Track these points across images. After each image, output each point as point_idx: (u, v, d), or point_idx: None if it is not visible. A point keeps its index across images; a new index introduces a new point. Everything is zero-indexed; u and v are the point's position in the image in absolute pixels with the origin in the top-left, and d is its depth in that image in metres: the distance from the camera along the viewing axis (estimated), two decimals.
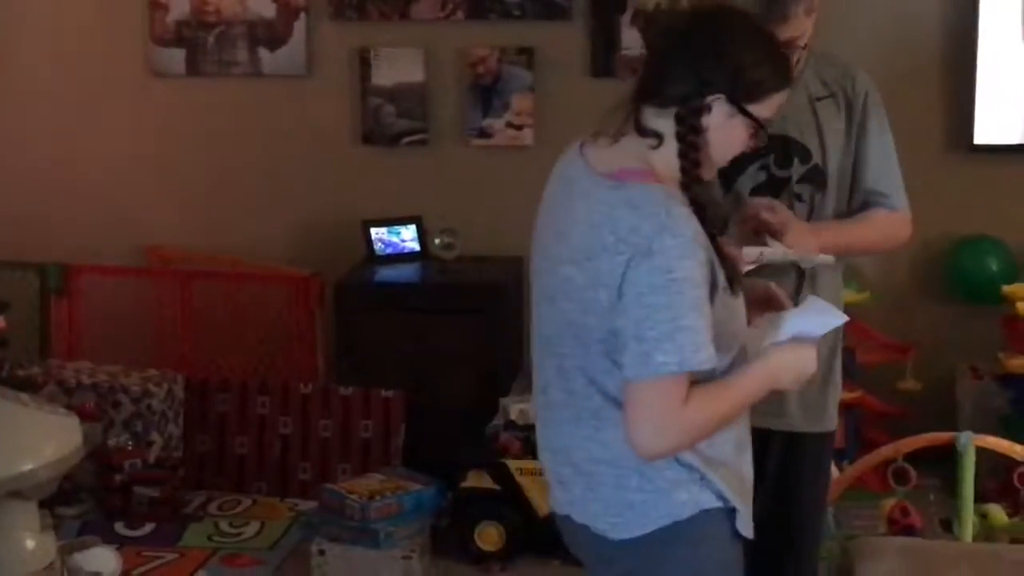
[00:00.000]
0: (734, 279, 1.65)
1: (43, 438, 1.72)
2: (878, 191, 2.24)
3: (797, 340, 1.71)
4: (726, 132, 1.62)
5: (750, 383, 1.67)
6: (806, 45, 2.12)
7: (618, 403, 1.64)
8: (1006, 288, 3.55)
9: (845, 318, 1.84)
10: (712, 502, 1.64)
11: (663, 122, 1.59)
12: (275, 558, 3.46)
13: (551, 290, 1.70)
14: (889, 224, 2.27)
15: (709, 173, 1.71)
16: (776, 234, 2.07)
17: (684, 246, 1.53)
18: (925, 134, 3.67)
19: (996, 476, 3.36)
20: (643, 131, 1.61)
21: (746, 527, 1.68)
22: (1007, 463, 3.13)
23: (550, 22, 3.84)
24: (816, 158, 2.18)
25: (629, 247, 1.55)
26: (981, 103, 3.66)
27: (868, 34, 3.68)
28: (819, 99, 2.19)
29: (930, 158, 3.64)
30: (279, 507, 3.69)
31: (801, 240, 2.07)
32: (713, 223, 1.66)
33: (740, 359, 1.72)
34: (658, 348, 1.53)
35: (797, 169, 2.18)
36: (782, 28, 2.03)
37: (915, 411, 3.62)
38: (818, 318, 1.79)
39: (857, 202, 2.25)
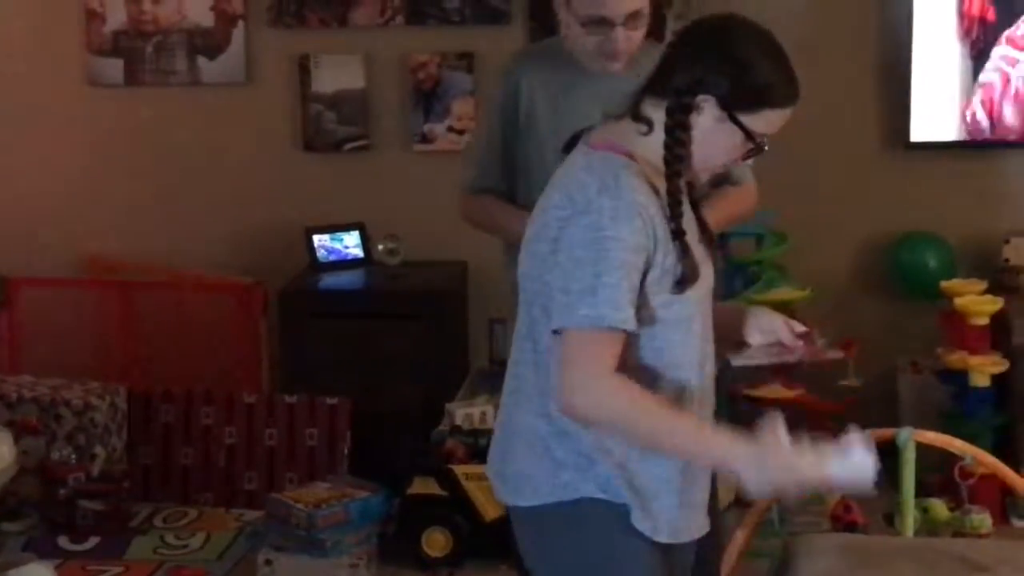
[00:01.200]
0: (685, 280, 1.63)
1: None
2: (729, 173, 2.42)
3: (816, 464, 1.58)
4: (713, 136, 1.64)
5: (695, 437, 1.64)
6: (645, 20, 2.33)
7: (541, 365, 1.69)
8: (944, 284, 3.59)
9: (871, 482, 1.63)
10: (594, 492, 1.65)
11: (657, 113, 1.62)
12: (221, 569, 3.42)
13: (525, 259, 1.73)
14: (743, 195, 2.46)
15: (690, 174, 1.70)
16: None
17: (621, 208, 1.55)
18: (862, 133, 3.74)
19: (938, 471, 3.37)
20: (638, 117, 1.63)
21: (655, 530, 1.66)
22: (948, 458, 3.09)
23: (490, 27, 3.85)
24: None
25: (572, 204, 1.59)
26: (917, 101, 3.70)
27: (805, 36, 3.67)
28: (639, 76, 2.27)
29: (868, 156, 3.72)
30: (225, 517, 3.66)
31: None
32: (678, 199, 1.66)
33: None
34: (581, 300, 1.55)
35: None
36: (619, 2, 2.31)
37: (856, 407, 3.54)
38: (853, 468, 1.65)
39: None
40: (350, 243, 3.93)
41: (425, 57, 3.92)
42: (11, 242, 4.05)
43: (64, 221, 4.14)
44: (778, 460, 1.55)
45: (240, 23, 3.95)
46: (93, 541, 3.49)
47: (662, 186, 1.62)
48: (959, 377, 3.63)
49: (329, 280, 3.91)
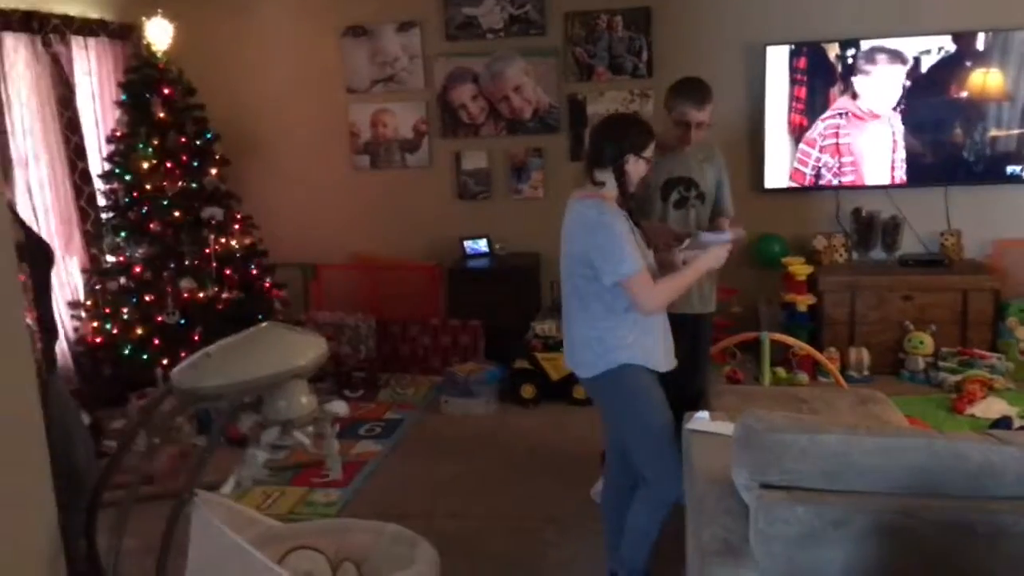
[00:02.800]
0: (648, 245, 2.61)
1: (309, 347, 2.03)
2: (725, 206, 3.38)
3: (711, 249, 2.64)
4: (636, 169, 2.57)
5: (691, 272, 2.61)
6: (708, 126, 3.13)
7: (587, 302, 2.54)
8: (784, 259, 5.18)
9: (728, 239, 2.75)
10: (622, 361, 2.58)
11: (604, 174, 2.55)
12: (424, 404, 4.93)
13: (565, 257, 2.59)
14: (731, 220, 3.36)
15: (633, 188, 2.57)
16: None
17: (611, 220, 2.47)
18: (740, 181, 4.82)
19: (780, 354, 4.84)
20: (595, 181, 2.57)
21: (656, 366, 2.63)
22: (785, 347, 4.69)
23: (549, 134, 5.49)
24: (702, 187, 3.28)
25: (587, 227, 2.51)
26: (768, 164, 5.20)
27: (713, 123, 3.68)
28: (702, 160, 3.33)
29: (743, 194, 4.81)
30: (424, 380, 5.26)
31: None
32: (636, 218, 2.59)
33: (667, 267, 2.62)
34: (623, 262, 2.45)
35: (693, 192, 3.29)
36: (700, 112, 3.09)
37: (740, 323, 5.08)
38: (713, 237, 2.76)
39: (715, 212, 3.36)
40: (481, 245, 5.52)
41: (518, 150, 5.55)
42: (317, 245, 5.74)
43: (341, 233, 5.78)
44: (711, 256, 2.61)
45: (426, 136, 5.64)
46: (360, 392, 5.07)
47: (613, 204, 2.50)
48: (791, 306, 5.13)
49: (472, 263, 5.40)
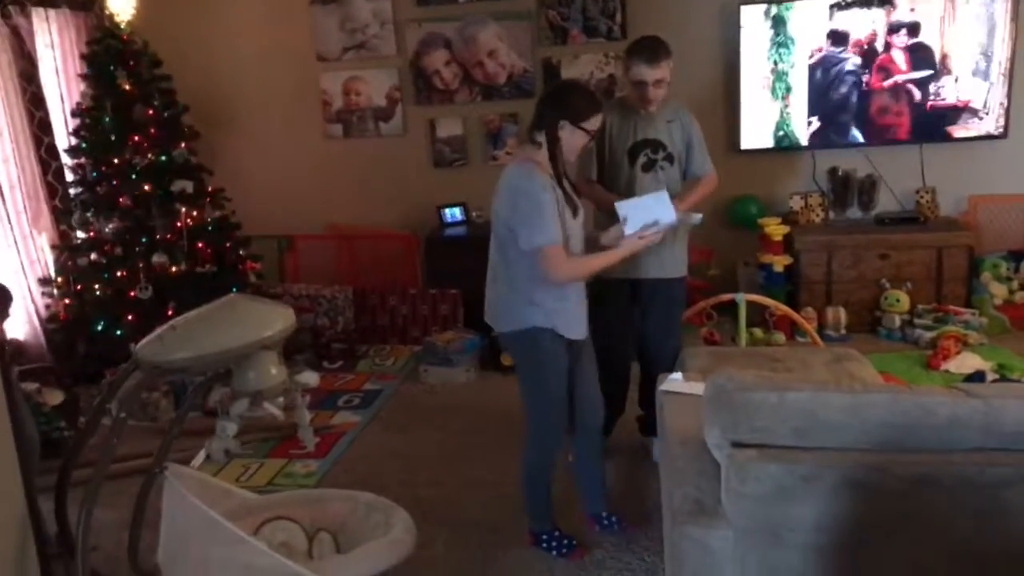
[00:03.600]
0: (575, 210, 2.67)
1: (277, 318, 2.05)
2: (698, 168, 3.37)
3: (625, 242, 2.64)
4: (571, 138, 2.62)
5: (603, 259, 2.71)
6: (667, 84, 3.12)
7: (509, 262, 2.65)
8: (760, 220, 5.18)
9: (672, 219, 2.72)
10: (535, 323, 2.71)
11: (540, 136, 2.62)
12: (402, 374, 4.95)
13: (493, 216, 2.69)
14: (709, 181, 3.41)
15: (568, 160, 2.64)
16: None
17: (537, 187, 2.55)
18: (715, 142, 4.28)
19: (757, 315, 4.79)
20: (533, 141, 2.65)
21: (567, 332, 2.74)
22: (762, 308, 4.61)
23: (524, 99, 5.39)
24: (669, 149, 3.31)
25: (512, 190, 2.60)
26: (744, 124, 5.16)
27: (689, 84, 4.72)
28: (669, 121, 3.34)
29: (719, 155, 4.06)
30: (403, 349, 5.27)
31: (679, 209, 2.89)
32: (561, 181, 2.62)
33: (589, 245, 2.69)
34: (538, 233, 2.54)
35: (661, 154, 3.31)
36: (654, 70, 3.07)
37: (716, 284, 5.10)
38: (651, 207, 2.67)
39: (688, 173, 3.38)
40: (458, 212, 5.52)
41: (493, 117, 5.56)
42: (292, 217, 5.72)
43: (316, 204, 5.74)
44: (621, 251, 2.67)
45: (399, 104, 5.60)
46: (338, 363, 5.08)
47: (544, 168, 2.56)
48: (768, 267, 5.15)
49: (449, 231, 5.41)
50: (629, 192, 3.18)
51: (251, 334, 2.00)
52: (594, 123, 2.61)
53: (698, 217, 2.91)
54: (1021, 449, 1.83)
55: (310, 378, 2.18)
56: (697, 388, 2.48)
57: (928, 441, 1.87)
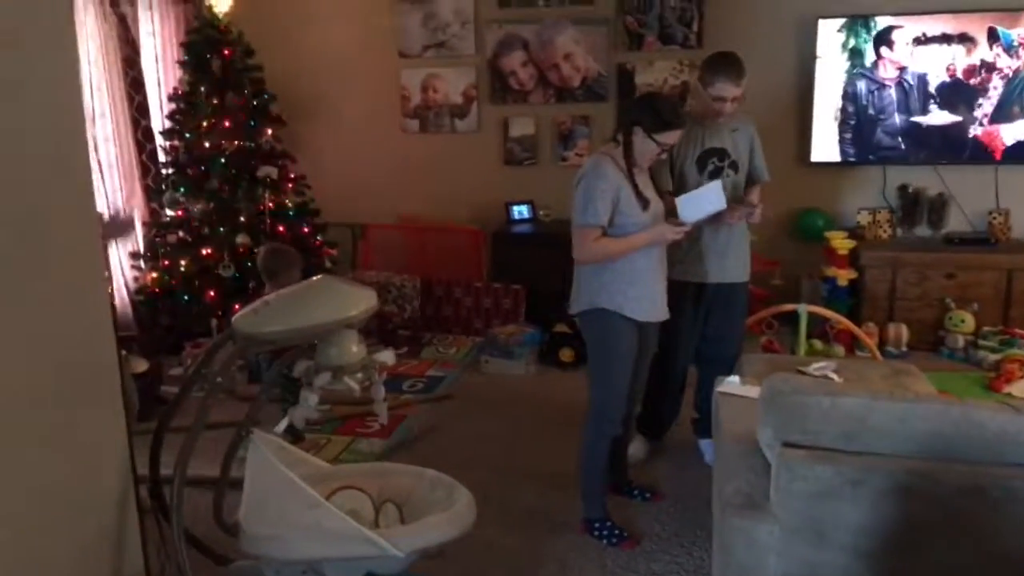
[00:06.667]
0: (646, 204, 2.74)
1: (361, 299, 2.13)
2: (759, 174, 3.48)
3: (657, 227, 2.72)
4: (642, 146, 2.72)
5: (624, 244, 2.73)
6: (741, 99, 3.24)
7: None
8: (827, 233, 5.16)
9: (723, 206, 2.87)
10: (604, 304, 2.83)
11: (619, 135, 2.74)
12: (464, 363, 5.02)
13: None
14: (764, 184, 3.51)
15: (641, 165, 2.74)
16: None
17: (597, 174, 2.69)
18: (784, 153, 5.07)
19: (818, 327, 4.88)
20: (615, 139, 2.77)
21: (635, 315, 2.81)
22: (823, 320, 4.72)
23: (597, 103, 5.52)
24: (734, 157, 3.38)
25: (578, 175, 2.78)
26: (815, 138, 5.16)
27: (762, 95, 4.62)
28: (733, 131, 3.41)
29: (788, 168, 5.08)
30: (466, 340, 5.35)
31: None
32: (632, 176, 2.70)
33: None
34: (580, 212, 2.71)
35: (726, 162, 3.38)
36: (737, 88, 3.17)
37: (780, 295, 5.07)
38: (705, 197, 2.80)
39: (751, 179, 3.48)
40: (526, 210, 5.61)
41: (565, 118, 5.61)
42: (366, 206, 5.85)
43: (390, 195, 5.90)
44: (645, 237, 2.70)
45: (475, 102, 5.72)
46: (404, 349, 5.15)
47: (619, 163, 2.69)
48: (831, 280, 5.11)
49: (516, 228, 5.49)
50: None
51: (337, 313, 2.10)
52: (667, 138, 2.67)
53: (752, 211, 3.09)
54: None
55: (387, 357, 2.25)
56: (753, 392, 2.54)
57: (976, 453, 1.91)
